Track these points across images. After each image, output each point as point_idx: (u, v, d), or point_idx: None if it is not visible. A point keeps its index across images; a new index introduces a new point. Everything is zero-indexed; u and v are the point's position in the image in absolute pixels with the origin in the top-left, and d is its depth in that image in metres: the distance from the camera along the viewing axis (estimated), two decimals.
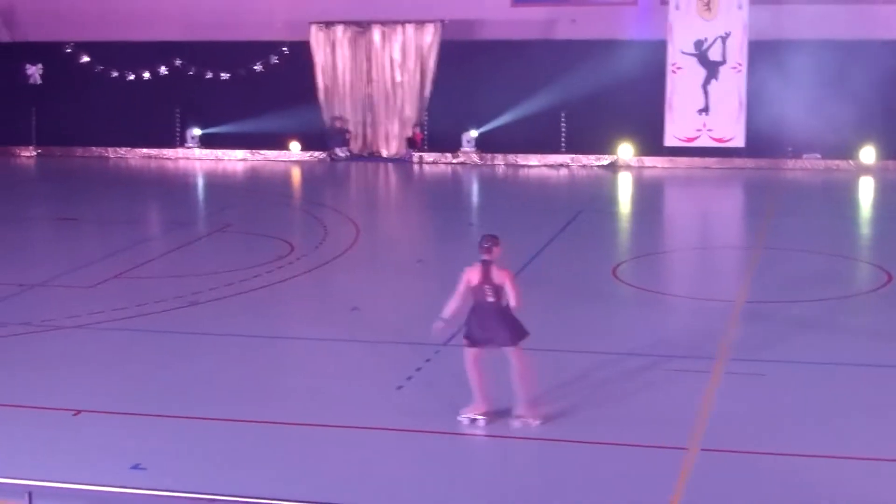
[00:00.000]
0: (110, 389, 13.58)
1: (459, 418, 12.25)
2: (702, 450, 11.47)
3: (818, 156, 29.93)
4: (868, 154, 29.58)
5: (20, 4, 34.51)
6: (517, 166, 30.71)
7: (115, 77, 32.83)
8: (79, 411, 12.69)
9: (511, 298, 12.18)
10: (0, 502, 9.95)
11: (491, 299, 12.25)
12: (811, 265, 19.73)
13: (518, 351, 12.19)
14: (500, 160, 31.08)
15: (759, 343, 15.19)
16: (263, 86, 32.13)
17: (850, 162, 29.66)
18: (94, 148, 33.29)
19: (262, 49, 32.40)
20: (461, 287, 12.42)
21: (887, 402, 12.91)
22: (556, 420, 12.33)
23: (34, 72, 33.49)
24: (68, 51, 33.08)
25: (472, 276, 12.40)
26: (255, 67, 32.36)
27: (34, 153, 33.41)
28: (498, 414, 12.25)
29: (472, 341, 12.29)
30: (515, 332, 12.20)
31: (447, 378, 13.82)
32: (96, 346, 15.52)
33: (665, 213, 27.00)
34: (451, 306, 12.44)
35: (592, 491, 10.65)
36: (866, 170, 29.36)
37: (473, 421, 12.24)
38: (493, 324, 12.19)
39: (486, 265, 12.38)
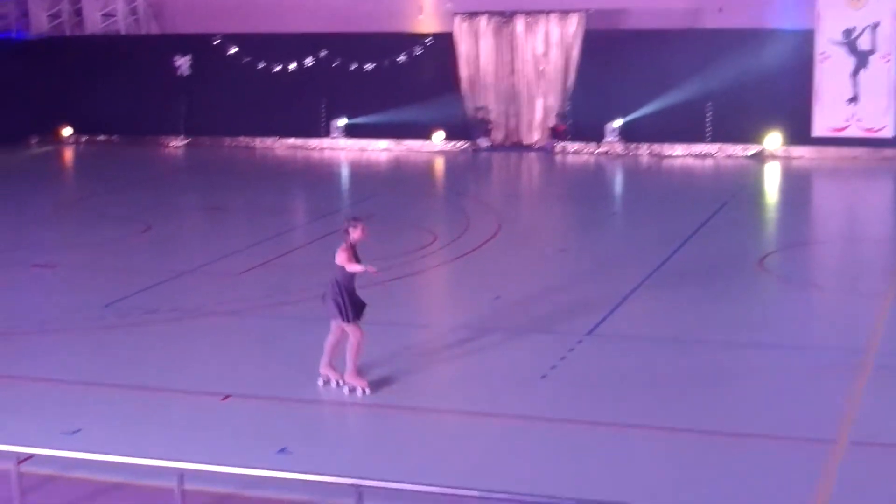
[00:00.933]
0: (257, 375, 13.79)
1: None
2: (850, 443, 11.28)
3: None
4: None
5: None
6: (661, 156, 30.44)
7: (262, 68, 33.28)
8: (226, 396, 12.92)
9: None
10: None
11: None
12: None
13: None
14: (643, 150, 30.85)
15: None
16: (407, 77, 32.31)
17: None
18: (241, 138, 33.80)
19: (407, 40, 32.57)
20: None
21: None
22: (699, 409, 12.22)
23: (183, 63, 34.09)
24: (216, 42, 33.61)
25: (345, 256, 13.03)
26: (400, 58, 32.54)
27: (183, 143, 34.03)
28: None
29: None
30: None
31: (590, 368, 13.80)
32: (243, 332, 15.78)
33: (813, 203, 26.54)
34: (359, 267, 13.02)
35: (731, 484, 10.52)
36: None
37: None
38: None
39: (352, 245, 13.10)
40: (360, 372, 13.05)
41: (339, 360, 13.00)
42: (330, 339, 13.15)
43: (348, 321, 12.91)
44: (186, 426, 12.15)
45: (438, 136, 32.25)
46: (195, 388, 13.28)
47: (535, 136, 31.87)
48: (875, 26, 29.34)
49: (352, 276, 13.02)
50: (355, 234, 13.23)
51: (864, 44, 29.47)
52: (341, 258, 12.97)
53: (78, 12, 35.32)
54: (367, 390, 12.82)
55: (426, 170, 30.03)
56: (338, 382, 13.03)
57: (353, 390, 12.88)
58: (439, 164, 30.63)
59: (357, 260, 13.06)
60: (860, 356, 13.90)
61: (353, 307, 12.94)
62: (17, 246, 20.95)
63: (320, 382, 13.13)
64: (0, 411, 12.82)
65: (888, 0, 29.18)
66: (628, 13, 31.89)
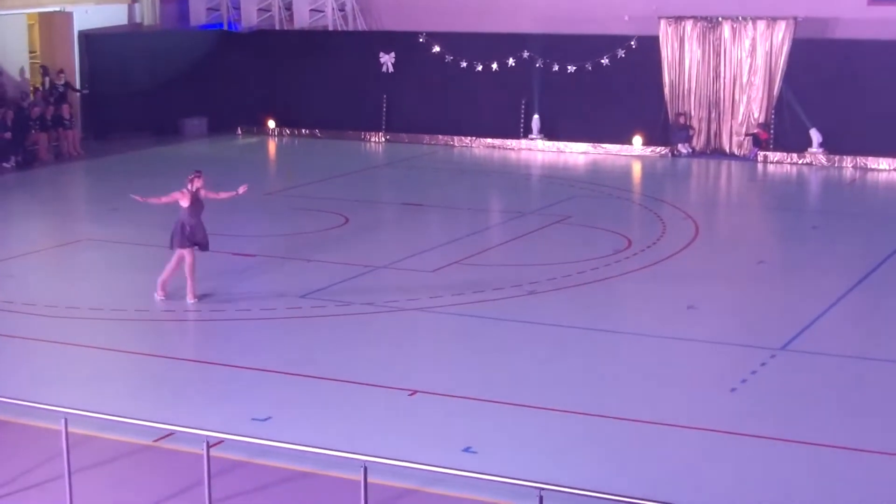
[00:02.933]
0: (445, 372, 13.90)
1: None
2: None
3: None
4: None
5: None
6: (867, 169, 29.68)
7: (464, 67, 33.46)
8: (414, 391, 13.04)
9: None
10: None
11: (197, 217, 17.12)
12: None
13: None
14: (848, 162, 30.11)
15: None
16: (609, 79, 32.11)
17: None
18: (440, 136, 34.03)
19: (610, 42, 32.38)
20: (167, 199, 17.27)
21: None
22: (868, 427, 11.91)
23: (387, 60, 34.49)
24: (420, 40, 33.92)
25: (184, 198, 17.03)
26: (602, 61, 32.38)
27: (383, 139, 34.43)
28: None
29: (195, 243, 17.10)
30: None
31: (781, 383, 13.55)
32: (434, 329, 15.91)
33: None
34: (158, 200, 17.50)
35: None
36: None
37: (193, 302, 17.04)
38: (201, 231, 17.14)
39: (195, 192, 17.06)
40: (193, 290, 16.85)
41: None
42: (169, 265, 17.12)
43: (171, 248, 16.99)
44: (374, 419, 12.31)
45: (638, 140, 32.00)
46: (384, 382, 13.44)
47: (736, 143, 31.39)
48: None
49: (188, 212, 16.87)
50: (197, 183, 17.12)
51: None
52: (176, 197, 17.07)
53: (288, 6, 36.04)
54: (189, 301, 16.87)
55: (624, 174, 29.81)
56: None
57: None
58: (637, 169, 30.40)
59: (195, 201, 17.01)
60: None
61: (180, 237, 16.83)
62: (221, 234, 21.47)
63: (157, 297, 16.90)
64: (194, 395, 13.19)
65: None
66: (838, 22, 31.20)
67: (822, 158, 30.18)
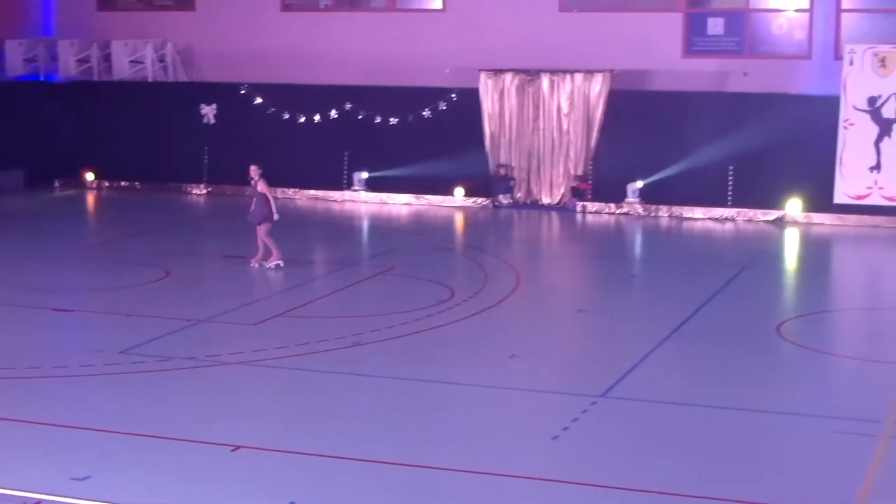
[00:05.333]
0: (269, 426, 13.77)
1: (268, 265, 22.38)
2: None
3: None
4: None
5: (197, 45, 35.44)
6: (681, 218, 30.42)
7: (287, 119, 33.42)
8: (238, 446, 12.89)
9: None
10: None
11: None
12: None
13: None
14: (664, 212, 30.82)
15: None
16: (431, 131, 32.38)
17: None
18: None
19: (432, 95, 32.67)
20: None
21: None
22: (714, 476, 12.14)
23: (208, 112, 34.27)
24: (242, 91, 33.79)
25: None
26: (424, 113, 32.64)
27: (205, 191, 34.13)
28: None
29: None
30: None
31: (604, 430, 13.74)
32: (257, 383, 15.77)
33: (833, 271, 26.44)
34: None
35: None
36: None
37: (277, 266, 22.56)
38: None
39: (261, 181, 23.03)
40: None
41: None
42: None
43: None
44: (196, 476, 12.12)
45: (459, 191, 32.29)
46: (206, 437, 13.25)
47: (556, 194, 31.88)
48: None
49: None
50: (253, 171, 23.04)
51: (888, 112, 29.45)
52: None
53: (107, 58, 35.54)
54: None
55: (446, 225, 30.04)
56: None
57: None
58: (460, 220, 30.66)
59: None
60: (879, 426, 13.80)
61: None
62: (37, 289, 21.01)
63: None
64: (10, 455, 12.81)
65: None
66: (653, 74, 31.98)
67: (639, 208, 30.83)
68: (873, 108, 29.43)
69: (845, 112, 29.57)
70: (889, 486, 11.99)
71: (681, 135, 30.44)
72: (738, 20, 31.83)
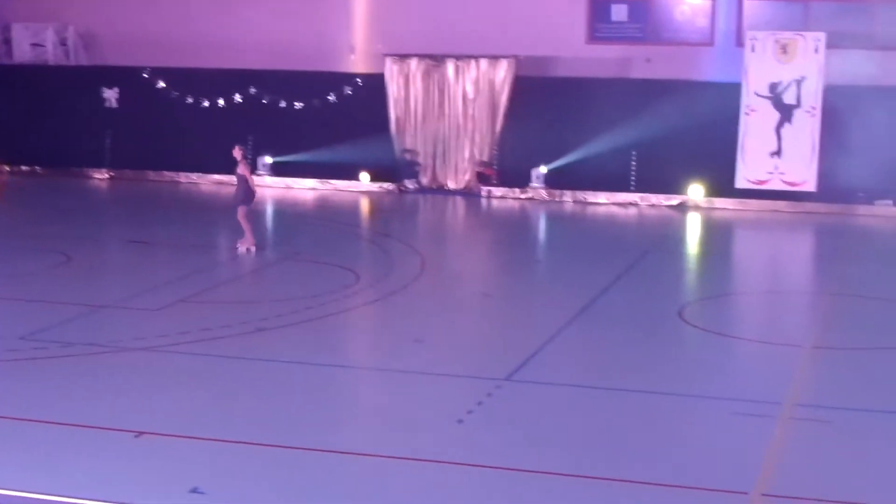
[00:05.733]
0: (172, 412, 13.65)
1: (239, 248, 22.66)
2: (763, 495, 11.34)
3: (890, 203, 29.61)
4: None
5: (99, 28, 35.00)
6: (585, 203, 30.63)
7: (190, 103, 33.16)
8: (140, 433, 12.77)
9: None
10: None
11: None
12: (882, 312, 19.50)
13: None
14: (568, 197, 31.01)
15: (827, 389, 15.04)
16: (336, 116, 32.31)
17: None
18: (165, 172, 33.61)
19: (337, 80, 32.59)
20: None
21: None
22: (616, 457, 12.24)
23: (111, 96, 33.90)
24: (145, 76, 33.46)
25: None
26: (329, 98, 32.55)
27: (107, 176, 33.77)
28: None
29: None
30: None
31: (508, 413, 13.80)
32: (160, 369, 15.62)
33: (734, 255, 26.81)
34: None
35: None
36: None
37: (248, 250, 22.51)
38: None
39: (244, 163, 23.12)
40: None
41: None
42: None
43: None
44: (99, 462, 11.98)
45: (365, 176, 32.24)
46: (109, 423, 13.10)
47: (462, 179, 31.96)
48: (801, 81, 29.76)
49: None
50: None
51: (789, 98, 29.87)
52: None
53: (7, 41, 34.99)
54: None
55: (352, 210, 30.00)
56: None
57: None
58: (365, 205, 30.61)
59: None
60: (778, 408, 14.00)
61: None
62: None
63: None
64: None
65: (814, 55, 29.62)
66: (558, 60, 32.13)
67: (544, 193, 31.00)
68: (774, 94, 29.85)
69: (747, 98, 29.96)
70: (788, 467, 12.16)
71: (585, 120, 30.66)
72: (642, 7, 32.07)
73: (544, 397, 14.54)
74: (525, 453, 12.40)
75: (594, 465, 12.10)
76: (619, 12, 32.23)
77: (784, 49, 29.90)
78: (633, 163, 30.77)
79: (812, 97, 29.67)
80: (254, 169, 32.67)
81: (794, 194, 29.88)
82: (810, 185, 29.71)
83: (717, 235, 27.92)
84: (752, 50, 30.10)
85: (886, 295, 20.58)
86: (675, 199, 30.43)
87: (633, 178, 30.85)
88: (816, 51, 29.68)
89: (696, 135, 29.64)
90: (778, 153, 29.87)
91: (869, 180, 28.85)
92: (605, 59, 31.82)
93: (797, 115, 29.82)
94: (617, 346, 16.96)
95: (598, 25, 32.36)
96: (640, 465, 12.14)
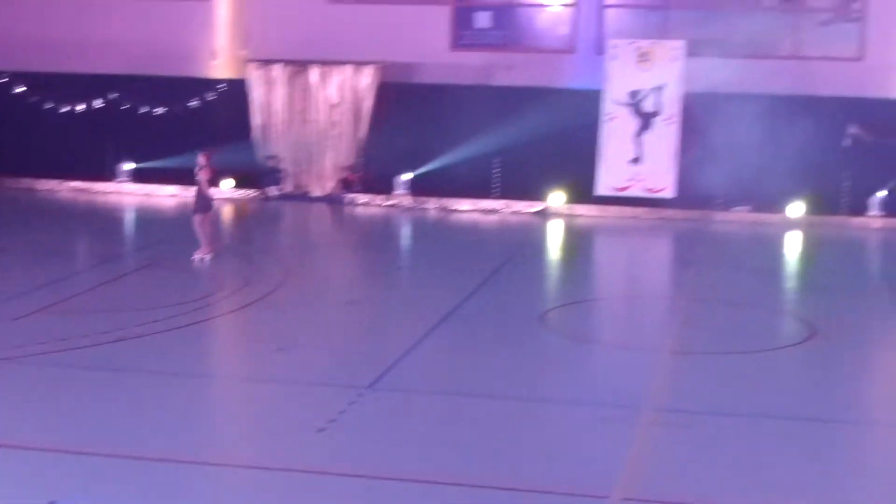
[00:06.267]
0: (29, 424, 13.40)
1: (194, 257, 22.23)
2: (623, 499, 11.48)
3: (748, 209, 30.23)
4: (796, 209, 29.91)
5: None
6: (449, 210, 30.76)
7: (49, 108, 32.62)
8: None
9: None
10: None
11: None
12: (738, 317, 19.88)
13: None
14: (432, 204, 31.12)
15: (686, 393, 15.28)
16: (199, 122, 32.04)
17: (779, 216, 29.96)
18: (23, 179, 33.01)
19: (199, 85, 32.32)
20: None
21: (813, 456, 12.99)
22: (479, 463, 12.30)
23: None
24: (4, 80, 32.82)
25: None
26: (191, 104, 32.24)
27: None
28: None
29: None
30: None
31: (371, 421, 13.78)
32: (17, 379, 15.31)
33: (594, 261, 27.14)
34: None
35: None
36: (794, 224, 29.65)
37: (202, 259, 22.29)
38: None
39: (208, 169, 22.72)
40: None
41: None
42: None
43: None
44: None
45: (228, 183, 31.98)
46: None
47: (326, 186, 31.87)
48: (660, 89, 30.24)
49: None
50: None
51: (649, 105, 30.32)
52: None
53: None
54: None
55: (213, 217, 29.70)
56: None
57: None
58: (227, 213, 30.36)
59: None
60: (637, 411, 14.18)
61: None
62: None
63: None
64: None
65: (674, 63, 30.10)
66: (422, 67, 32.24)
67: (408, 200, 31.06)
68: (635, 101, 30.28)
69: (607, 106, 30.34)
70: (648, 470, 12.33)
71: (449, 127, 30.81)
72: (505, 14, 32.33)
73: (407, 405, 14.55)
74: (387, 461, 12.40)
75: (457, 472, 12.14)
76: (482, 19, 32.46)
77: (644, 56, 30.35)
78: (497, 170, 30.97)
79: (671, 105, 30.16)
80: (113, 175, 32.30)
81: (654, 201, 30.36)
82: (669, 192, 30.21)
83: (579, 242, 28.24)
84: (613, 58, 30.50)
85: (742, 300, 20.99)
86: (537, 206, 30.69)
87: (496, 184, 31.06)
88: (676, 59, 30.18)
89: (557, 142, 29.97)
90: (638, 160, 30.30)
91: (726, 187, 29.42)
92: (468, 66, 32.02)
93: (657, 122, 30.29)
94: (479, 352, 17.04)
95: (462, 32, 32.55)
96: (502, 470, 12.21)
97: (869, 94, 30.19)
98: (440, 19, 32.42)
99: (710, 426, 13.92)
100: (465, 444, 13.04)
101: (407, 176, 31.24)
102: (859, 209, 30.08)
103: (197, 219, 22.97)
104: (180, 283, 21.13)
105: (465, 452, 12.78)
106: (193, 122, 32.02)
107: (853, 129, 29.81)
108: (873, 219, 29.92)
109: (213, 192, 23.49)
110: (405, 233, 29.27)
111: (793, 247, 27.92)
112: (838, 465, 12.84)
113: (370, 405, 14.38)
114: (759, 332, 18.95)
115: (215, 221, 23.24)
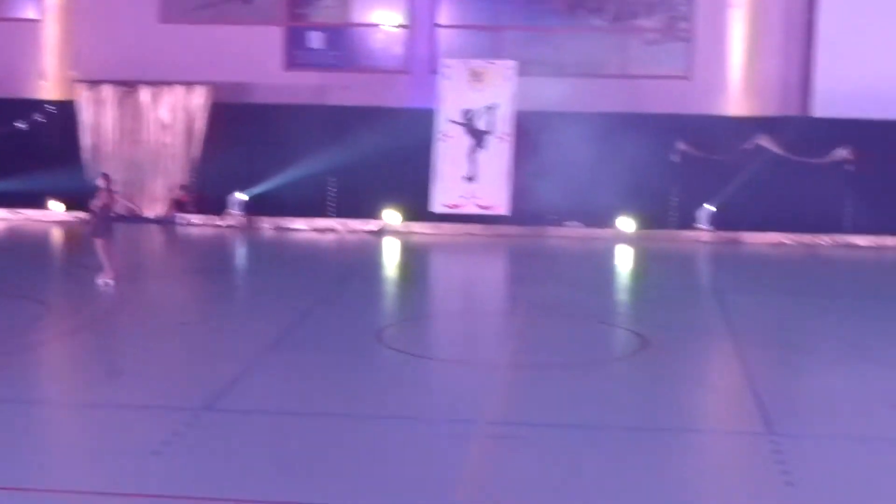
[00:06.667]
0: None
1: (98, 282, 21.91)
2: None
3: (579, 224, 30.67)
4: (626, 223, 30.45)
5: None
6: (285, 230, 30.63)
7: None
8: None
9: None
10: None
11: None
12: (571, 330, 20.15)
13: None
14: (267, 223, 30.95)
15: (522, 407, 15.43)
16: (27, 144, 31.40)
17: (610, 230, 30.46)
18: None
19: (27, 106, 31.70)
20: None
21: (645, 465, 13.22)
22: (317, 482, 12.25)
23: None
24: None
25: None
26: (19, 125, 31.60)
27: None
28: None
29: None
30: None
31: (206, 443, 13.64)
32: None
33: (430, 278, 27.26)
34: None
35: None
36: (625, 238, 30.18)
37: (106, 283, 22.01)
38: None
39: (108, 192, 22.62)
40: None
41: None
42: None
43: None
44: None
45: (59, 205, 31.40)
46: None
47: (157, 207, 31.50)
48: (493, 108, 30.55)
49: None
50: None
51: (482, 124, 30.61)
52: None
53: None
54: None
55: (43, 240, 29.16)
56: None
57: None
58: (58, 234, 29.80)
59: None
60: (474, 426, 14.28)
61: None
62: None
63: None
64: None
65: (506, 82, 30.45)
66: (255, 87, 32.09)
67: (243, 220, 30.87)
68: (468, 120, 30.54)
69: (441, 124, 30.56)
70: (484, 484, 12.42)
71: (284, 147, 30.70)
72: (339, 35, 32.39)
73: (244, 426, 14.43)
74: (222, 482, 12.28)
75: (294, 492, 12.08)
76: (316, 39, 32.45)
77: (477, 76, 30.65)
78: (332, 189, 30.95)
79: (504, 123, 30.50)
80: None
81: (488, 218, 30.63)
82: (503, 209, 30.50)
83: (415, 259, 28.34)
84: (446, 77, 30.74)
85: (575, 313, 21.29)
86: (373, 225, 30.75)
87: (332, 204, 31.03)
88: (508, 78, 30.53)
89: (393, 161, 30.06)
90: (472, 178, 30.55)
91: (559, 203, 29.83)
92: (303, 86, 31.97)
93: (490, 140, 30.59)
94: (317, 371, 16.99)
95: (296, 52, 32.52)
96: (340, 489, 12.19)
97: (696, 110, 30.90)
98: (273, 39, 32.33)
99: (547, 439, 14.08)
100: (302, 464, 12.98)
101: (241, 196, 31.03)
102: (688, 223, 30.74)
103: (99, 243, 22.48)
104: (9, 309, 20.64)
105: (303, 472, 12.72)
106: (22, 143, 31.36)
107: (681, 146, 30.46)
108: (701, 232, 30.59)
109: (114, 214, 23.04)
110: (240, 253, 29.06)
111: (624, 261, 28.41)
112: (666, 472, 13.10)
113: (205, 427, 14.23)
114: (593, 344, 19.24)
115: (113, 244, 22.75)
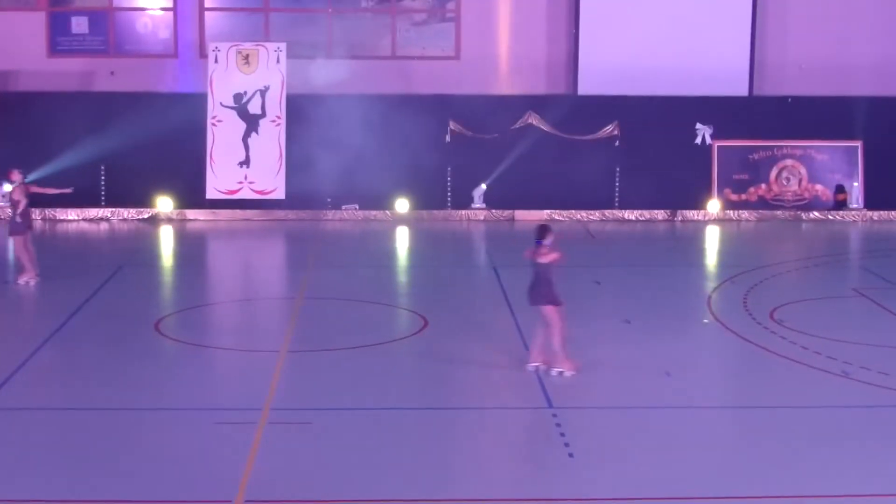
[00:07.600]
0: None
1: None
2: (247, 502, 11.52)
3: (356, 207, 30.73)
4: (403, 204, 30.63)
5: None
6: (55, 220, 29.90)
7: None
8: None
9: None
10: None
11: None
12: (352, 313, 20.23)
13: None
14: (35, 214, 30.14)
15: (305, 391, 15.47)
16: None
17: (387, 212, 30.60)
18: None
19: None
20: None
21: (445, 446, 13.41)
22: (97, 477, 12.05)
23: None
24: None
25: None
26: None
27: None
28: None
29: None
30: None
31: None
32: None
33: (208, 266, 26.98)
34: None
35: None
36: (402, 220, 30.36)
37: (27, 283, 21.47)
38: None
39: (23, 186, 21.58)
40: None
41: None
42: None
43: None
44: None
45: None
46: None
47: None
48: (265, 91, 30.34)
49: None
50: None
51: (254, 108, 30.38)
52: None
53: None
54: None
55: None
56: None
57: None
58: None
59: None
60: (259, 414, 14.25)
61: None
62: None
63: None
64: None
65: (276, 65, 30.28)
66: (18, 74, 31.22)
67: (8, 211, 29.96)
68: (239, 104, 30.29)
69: (213, 109, 30.23)
70: (271, 471, 12.41)
71: (50, 136, 29.90)
72: (103, 19, 31.71)
73: (19, 423, 14.12)
74: (17, 483, 12.00)
75: (72, 488, 11.88)
76: (79, 25, 31.72)
77: (246, 59, 30.41)
78: (103, 177, 30.32)
79: (276, 106, 30.33)
80: None
81: (265, 203, 30.43)
82: (279, 193, 30.34)
83: (191, 247, 27.96)
84: (216, 61, 30.41)
85: (356, 296, 21.37)
86: (146, 213, 30.25)
87: (103, 192, 30.41)
88: (278, 61, 30.37)
89: (164, 147, 29.58)
90: (246, 163, 30.31)
91: (335, 186, 29.85)
92: (68, 73, 31.23)
93: (263, 124, 30.39)
94: (93, 364, 16.71)
95: (59, 38, 31.71)
96: (121, 483, 12.04)
97: (466, 91, 31.23)
98: (35, 25, 31.45)
99: (331, 422, 14.16)
100: (81, 460, 12.79)
101: (8, 187, 30.09)
102: (463, 203, 31.07)
103: (17, 241, 21.89)
104: None
105: (82, 467, 12.53)
106: None
107: (453, 126, 30.78)
108: (476, 211, 30.97)
109: (30, 211, 22.40)
110: (6, 245, 28.23)
111: (402, 242, 28.58)
112: (452, 452, 13.32)
113: None
114: (375, 326, 19.34)
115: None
